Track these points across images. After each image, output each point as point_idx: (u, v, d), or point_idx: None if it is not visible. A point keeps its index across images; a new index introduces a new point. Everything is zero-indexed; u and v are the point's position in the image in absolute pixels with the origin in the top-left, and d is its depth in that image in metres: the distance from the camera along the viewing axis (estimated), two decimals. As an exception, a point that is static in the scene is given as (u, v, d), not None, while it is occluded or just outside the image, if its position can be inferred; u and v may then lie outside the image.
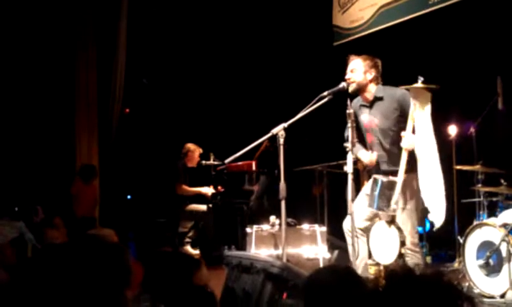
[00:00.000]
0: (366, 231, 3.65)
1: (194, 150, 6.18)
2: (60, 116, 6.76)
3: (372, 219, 3.67)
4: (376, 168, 3.66)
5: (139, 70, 7.26)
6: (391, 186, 3.39)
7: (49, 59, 6.62)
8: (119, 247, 1.36)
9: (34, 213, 4.59)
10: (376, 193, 3.43)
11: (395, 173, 3.50)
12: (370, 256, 3.85)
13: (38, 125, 6.59)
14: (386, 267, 3.51)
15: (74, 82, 6.82)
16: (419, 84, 3.32)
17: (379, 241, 3.53)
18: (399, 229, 3.39)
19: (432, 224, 3.53)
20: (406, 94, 3.48)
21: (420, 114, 3.35)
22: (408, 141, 3.35)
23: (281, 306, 2.58)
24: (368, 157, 3.62)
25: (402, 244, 3.36)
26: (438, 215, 3.37)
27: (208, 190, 5.96)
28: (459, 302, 0.88)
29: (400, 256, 3.35)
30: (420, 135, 3.36)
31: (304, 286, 1.67)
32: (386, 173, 3.54)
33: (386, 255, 3.45)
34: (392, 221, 3.44)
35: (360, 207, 3.58)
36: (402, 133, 3.39)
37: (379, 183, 3.43)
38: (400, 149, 3.43)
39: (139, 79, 7.37)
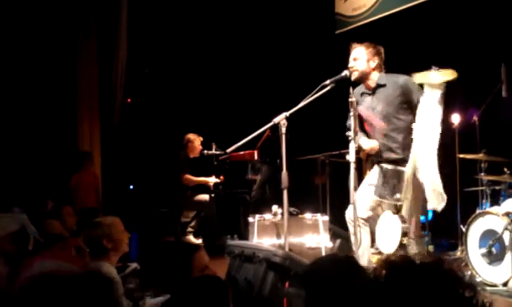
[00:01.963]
0: (368, 220, 3.64)
1: (194, 140, 6.17)
2: (62, 107, 6.76)
3: (374, 208, 3.66)
4: (377, 156, 3.64)
5: (140, 60, 7.24)
6: (397, 175, 3.37)
7: (51, 49, 6.60)
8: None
9: (44, 205, 4.60)
10: (380, 181, 3.42)
11: (397, 161, 3.48)
12: (372, 245, 3.85)
13: (40, 116, 6.59)
14: (387, 256, 3.50)
15: (76, 73, 6.82)
16: (435, 75, 3.26)
17: (383, 230, 3.52)
18: (402, 218, 3.38)
19: (434, 211, 3.48)
20: (409, 81, 3.45)
21: (430, 103, 3.31)
22: (418, 133, 3.32)
23: (284, 295, 2.58)
24: (368, 143, 3.59)
25: (404, 234, 3.34)
26: (437, 200, 3.32)
27: (214, 180, 5.96)
28: (460, 290, 0.87)
29: (402, 246, 3.34)
30: (425, 123, 3.31)
31: (305, 275, 1.67)
32: (388, 161, 3.52)
33: (388, 244, 3.45)
34: (396, 211, 3.43)
35: (362, 196, 3.57)
36: (413, 125, 3.35)
37: (384, 171, 3.42)
38: (403, 137, 3.41)
39: (140, 69, 7.35)
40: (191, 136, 6.20)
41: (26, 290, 1.18)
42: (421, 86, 3.38)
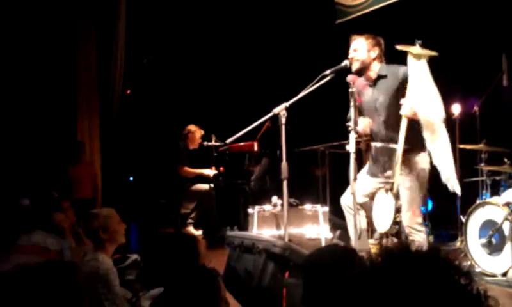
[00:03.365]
0: (364, 206, 3.65)
1: (195, 131, 6.16)
2: (61, 99, 6.74)
3: (373, 195, 3.66)
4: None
5: (139, 51, 7.20)
6: (386, 152, 3.38)
7: (50, 41, 6.57)
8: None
9: (50, 197, 4.62)
10: (371, 160, 3.43)
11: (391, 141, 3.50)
12: (372, 234, 3.85)
13: (39, 108, 6.57)
14: (383, 245, 3.51)
15: (75, 65, 6.79)
16: (417, 47, 3.27)
17: (378, 209, 3.53)
18: (395, 196, 3.38)
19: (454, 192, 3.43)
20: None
21: (419, 77, 3.30)
22: (407, 107, 3.31)
23: (283, 285, 2.58)
24: (363, 123, 3.59)
25: (398, 210, 3.35)
26: (454, 180, 3.31)
27: (210, 172, 5.96)
28: (456, 278, 0.86)
29: (396, 223, 3.34)
30: (422, 98, 3.29)
31: (304, 265, 1.67)
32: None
33: (383, 222, 3.45)
34: (389, 189, 3.43)
35: (359, 183, 3.57)
36: (402, 101, 3.35)
37: (373, 148, 3.43)
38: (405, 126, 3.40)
39: (139, 60, 7.31)
40: (192, 127, 6.19)
41: None
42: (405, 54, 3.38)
